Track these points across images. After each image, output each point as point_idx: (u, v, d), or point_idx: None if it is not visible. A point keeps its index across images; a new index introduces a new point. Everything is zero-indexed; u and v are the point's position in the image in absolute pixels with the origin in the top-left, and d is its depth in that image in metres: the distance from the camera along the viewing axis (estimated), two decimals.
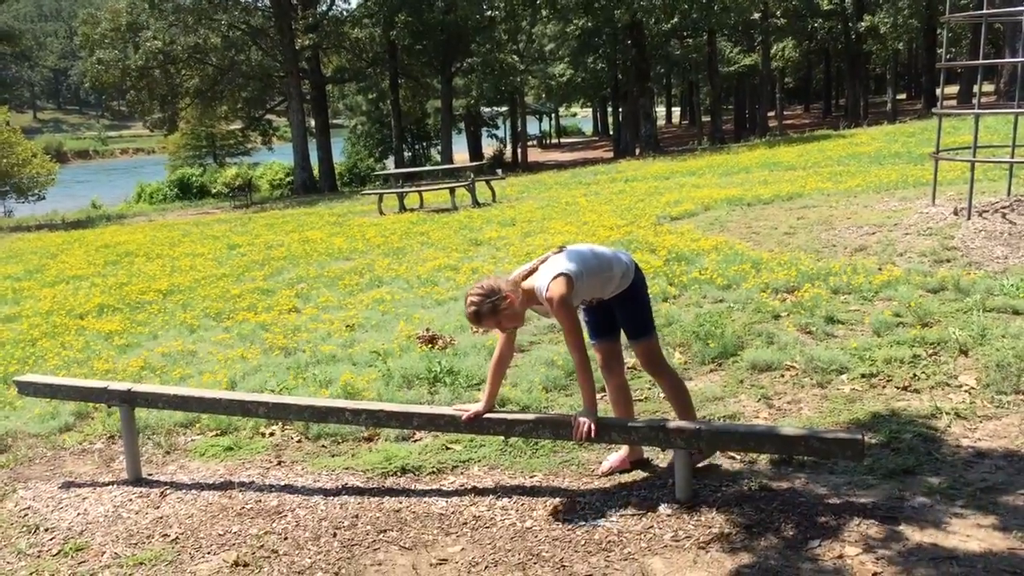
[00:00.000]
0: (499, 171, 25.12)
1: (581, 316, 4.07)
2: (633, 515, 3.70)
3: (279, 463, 4.71)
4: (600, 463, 4.20)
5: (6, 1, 43.48)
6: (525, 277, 3.84)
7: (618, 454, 4.18)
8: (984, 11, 9.43)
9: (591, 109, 72.81)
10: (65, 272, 12.61)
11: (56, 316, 9.05)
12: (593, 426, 3.71)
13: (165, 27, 32.53)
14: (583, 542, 3.52)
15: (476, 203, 16.87)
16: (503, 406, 4.87)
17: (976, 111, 9.51)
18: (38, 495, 4.57)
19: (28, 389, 4.88)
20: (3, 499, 4.56)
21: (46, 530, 4.12)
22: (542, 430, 3.97)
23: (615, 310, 4.02)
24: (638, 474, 4.11)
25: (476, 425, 4.02)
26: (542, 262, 3.86)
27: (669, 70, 49.36)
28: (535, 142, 61.20)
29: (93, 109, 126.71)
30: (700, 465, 4.01)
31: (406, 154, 41.89)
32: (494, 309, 3.68)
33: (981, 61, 9.68)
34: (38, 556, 3.86)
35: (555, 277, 3.69)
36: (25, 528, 4.16)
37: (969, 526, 3.34)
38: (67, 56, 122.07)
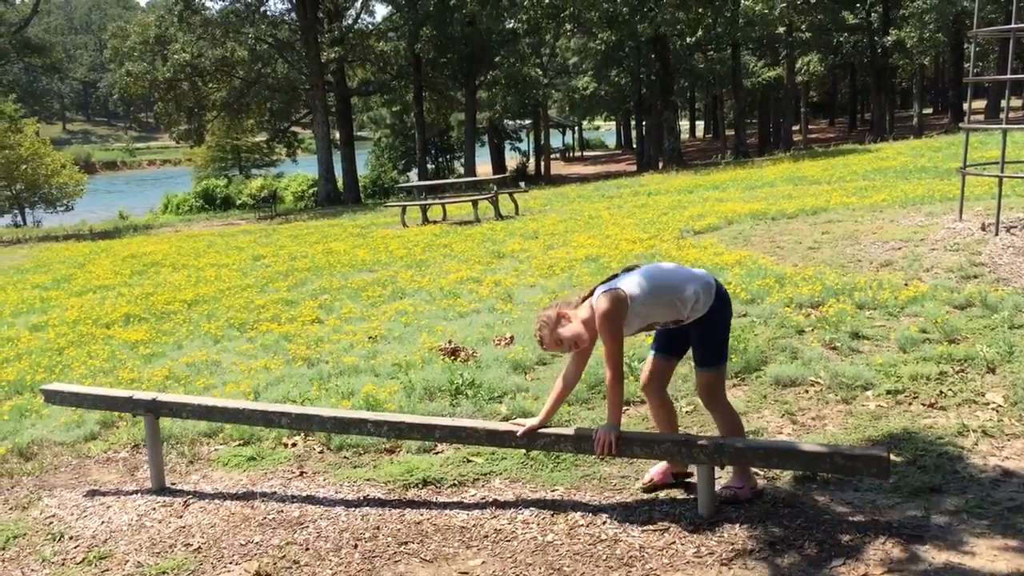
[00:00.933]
0: (522, 184, 25.14)
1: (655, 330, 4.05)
2: (655, 530, 3.68)
3: (301, 474, 4.73)
4: (623, 477, 4.18)
5: (37, 14, 44.12)
6: (589, 295, 3.86)
7: (658, 467, 4.12)
8: (1012, 25, 9.35)
9: (614, 122, 72.75)
10: (92, 282, 12.75)
11: (83, 325, 9.15)
12: (614, 440, 3.71)
13: (193, 40, 33.00)
14: (604, 557, 3.51)
15: (499, 216, 16.91)
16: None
17: (1004, 126, 9.41)
18: (63, 503, 4.62)
19: (54, 398, 4.94)
20: (28, 507, 4.61)
21: (70, 538, 4.16)
22: (564, 443, 3.96)
23: (690, 332, 3.89)
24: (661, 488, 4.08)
25: (498, 438, 4.02)
26: (607, 280, 3.86)
27: (693, 83, 49.31)
28: (558, 155, 61.28)
29: (121, 121, 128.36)
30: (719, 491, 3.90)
31: (429, 166, 42.06)
32: (551, 331, 3.78)
33: (1009, 76, 9.58)
34: (62, 564, 3.90)
35: (607, 291, 3.71)
36: (50, 536, 4.20)
37: (996, 547, 3.30)
38: (96, 68, 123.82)
